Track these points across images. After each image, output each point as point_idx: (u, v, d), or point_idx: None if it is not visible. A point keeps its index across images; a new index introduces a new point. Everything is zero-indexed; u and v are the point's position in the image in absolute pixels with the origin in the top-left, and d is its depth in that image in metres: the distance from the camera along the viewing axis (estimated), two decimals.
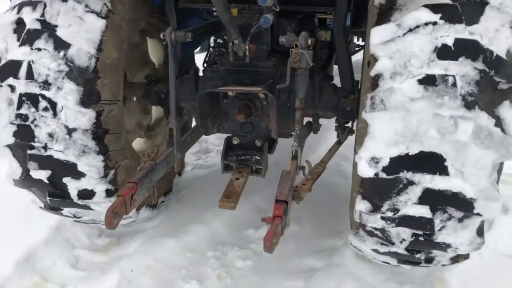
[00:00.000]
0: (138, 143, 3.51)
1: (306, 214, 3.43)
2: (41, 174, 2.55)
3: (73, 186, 2.60)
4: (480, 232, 2.23)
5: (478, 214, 2.09)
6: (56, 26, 2.38)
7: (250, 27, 2.56)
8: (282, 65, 2.88)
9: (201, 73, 3.11)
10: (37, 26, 2.39)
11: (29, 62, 2.36)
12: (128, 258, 2.99)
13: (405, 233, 2.27)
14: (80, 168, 2.50)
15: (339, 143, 3.06)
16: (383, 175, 2.10)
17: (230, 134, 2.89)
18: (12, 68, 2.39)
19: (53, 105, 2.37)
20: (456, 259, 2.42)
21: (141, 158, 2.70)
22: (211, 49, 3.83)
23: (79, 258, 3.09)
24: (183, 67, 3.06)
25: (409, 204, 2.13)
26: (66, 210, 2.81)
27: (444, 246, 2.26)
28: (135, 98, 3.41)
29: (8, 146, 2.53)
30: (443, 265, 2.48)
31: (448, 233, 2.18)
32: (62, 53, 2.35)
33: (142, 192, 2.39)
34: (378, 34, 2.09)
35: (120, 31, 2.57)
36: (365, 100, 2.11)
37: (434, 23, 2.00)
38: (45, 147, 2.46)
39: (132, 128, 3.46)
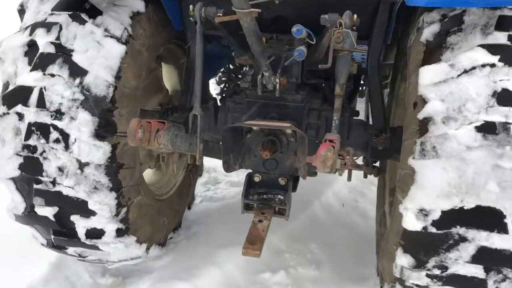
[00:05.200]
0: (146, 175, 3.28)
1: (326, 257, 3.20)
2: (47, 211, 2.32)
3: (81, 225, 2.37)
4: None
5: None
6: (72, 50, 2.19)
7: (279, 59, 2.40)
8: (311, 99, 2.70)
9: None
10: (51, 50, 2.19)
11: (40, 89, 2.16)
12: None
13: None
14: (91, 206, 2.27)
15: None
16: (432, 230, 1.89)
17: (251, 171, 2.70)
18: (21, 94, 2.19)
19: (65, 136, 2.16)
20: None
21: None
22: (220, 74, 3.65)
23: None
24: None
25: (460, 263, 1.92)
26: (71, 249, 2.57)
27: None
28: None
29: (12, 179, 2.30)
30: None
31: None
32: (78, 80, 2.15)
33: (167, 136, 2.11)
34: (428, 74, 1.92)
35: (139, 57, 2.38)
36: (413, 145, 1.92)
37: (492, 65, 1.83)
38: (54, 182, 2.23)
39: (142, 159, 3.24)
